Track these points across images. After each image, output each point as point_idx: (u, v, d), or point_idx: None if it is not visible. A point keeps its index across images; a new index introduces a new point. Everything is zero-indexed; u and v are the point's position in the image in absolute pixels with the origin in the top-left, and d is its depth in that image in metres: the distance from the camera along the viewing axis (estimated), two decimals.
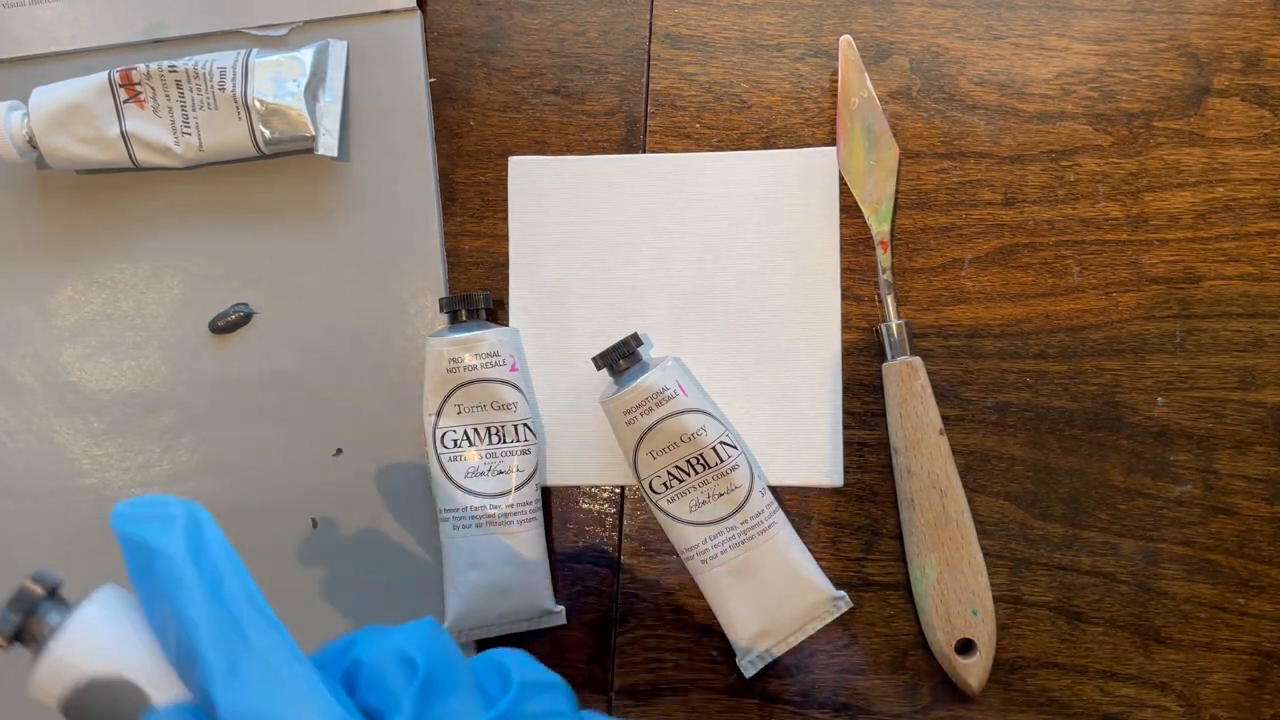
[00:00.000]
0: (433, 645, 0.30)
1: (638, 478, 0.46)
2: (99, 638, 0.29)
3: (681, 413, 0.45)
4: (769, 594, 0.46)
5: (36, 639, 0.29)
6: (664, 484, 0.46)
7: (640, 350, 0.46)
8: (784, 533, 0.46)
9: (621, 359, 0.46)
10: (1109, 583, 0.47)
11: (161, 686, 0.29)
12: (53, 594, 0.30)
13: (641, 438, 0.45)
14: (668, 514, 0.46)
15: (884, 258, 0.47)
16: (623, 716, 0.48)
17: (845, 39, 0.48)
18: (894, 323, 0.47)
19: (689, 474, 0.45)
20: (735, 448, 0.45)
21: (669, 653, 0.48)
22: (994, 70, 0.48)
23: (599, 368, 0.46)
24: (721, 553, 0.45)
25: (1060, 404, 0.47)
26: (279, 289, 0.50)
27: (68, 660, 0.28)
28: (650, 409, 0.45)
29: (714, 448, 0.45)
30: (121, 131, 0.48)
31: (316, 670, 0.29)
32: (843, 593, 0.46)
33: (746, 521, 0.45)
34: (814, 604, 0.46)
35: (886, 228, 0.47)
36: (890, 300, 0.47)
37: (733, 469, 0.45)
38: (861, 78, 0.47)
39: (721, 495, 0.45)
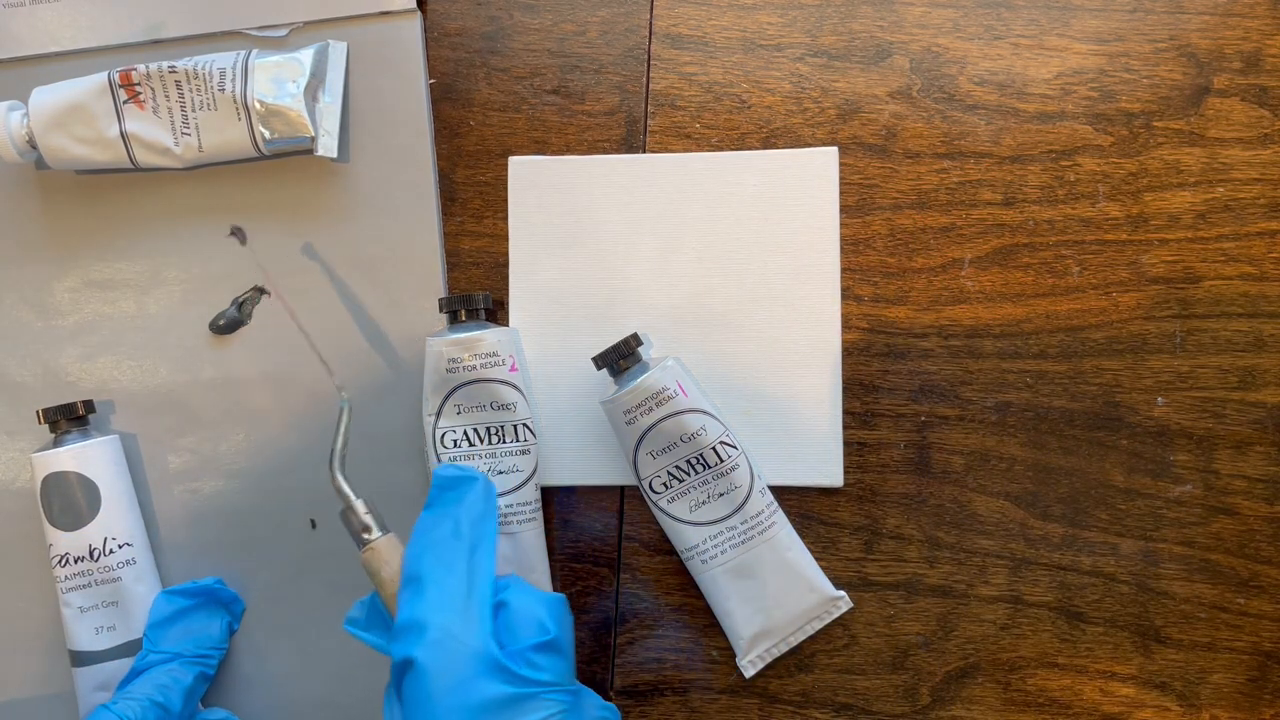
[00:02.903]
0: (562, 619, 0.40)
1: (637, 478, 0.46)
2: None
3: (681, 413, 0.45)
4: (769, 594, 0.46)
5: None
6: (664, 484, 0.46)
7: (640, 350, 0.46)
8: (784, 533, 0.46)
9: (621, 359, 0.46)
10: (1109, 583, 0.47)
11: None
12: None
13: (641, 438, 0.45)
14: (667, 514, 0.46)
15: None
16: (622, 716, 0.48)
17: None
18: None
19: (689, 474, 0.45)
20: (735, 448, 0.45)
21: (669, 653, 0.48)
22: (994, 70, 0.48)
23: (599, 368, 0.46)
24: (721, 553, 0.45)
25: (1060, 404, 0.47)
26: (279, 289, 0.50)
27: None
28: (650, 409, 0.45)
29: (714, 448, 0.45)
30: (121, 132, 0.48)
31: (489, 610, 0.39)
32: (842, 593, 0.46)
33: (746, 521, 0.45)
34: (814, 604, 0.46)
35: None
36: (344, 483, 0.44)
37: (732, 469, 0.45)
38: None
39: (721, 495, 0.45)
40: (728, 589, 0.46)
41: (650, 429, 0.45)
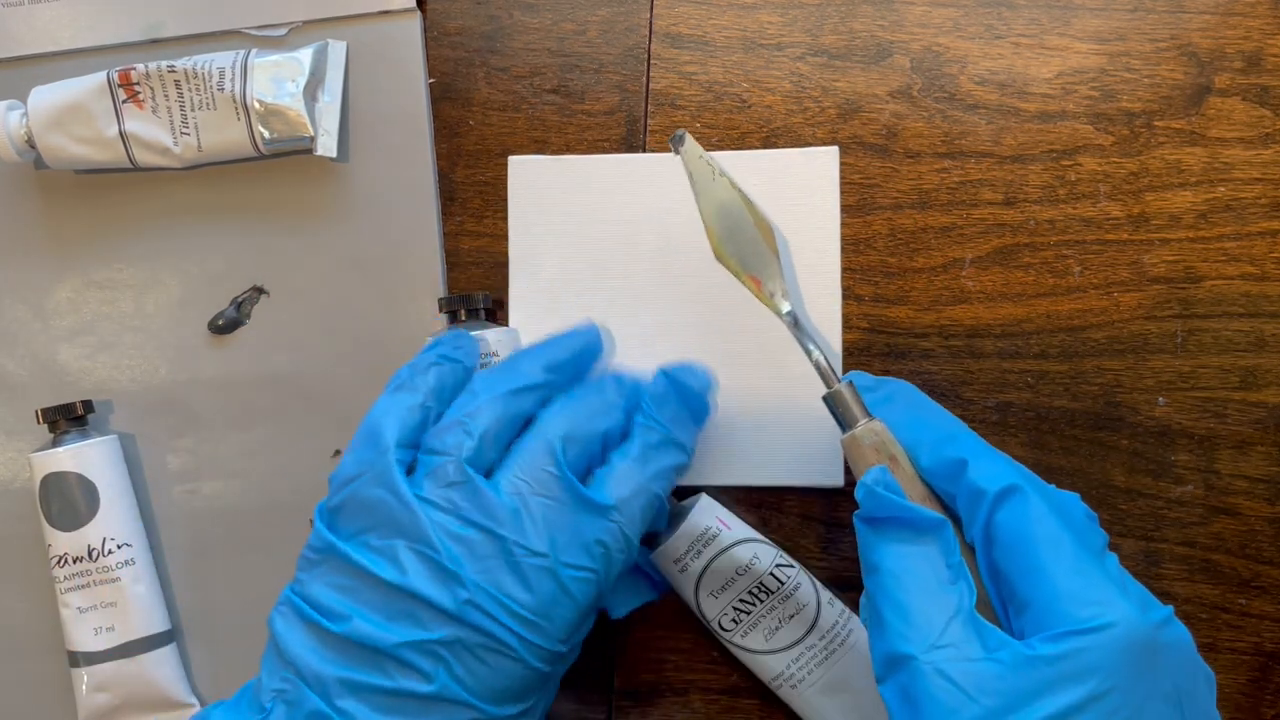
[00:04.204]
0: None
1: (705, 620, 0.45)
2: None
3: (731, 547, 0.44)
4: (867, 701, 0.44)
5: None
6: (733, 620, 0.45)
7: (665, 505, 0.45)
8: (864, 637, 0.45)
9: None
10: None
11: None
12: None
13: (699, 581, 0.45)
14: (744, 649, 0.45)
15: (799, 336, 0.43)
16: (622, 716, 0.48)
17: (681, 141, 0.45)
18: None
19: (755, 604, 0.45)
20: (792, 567, 0.45)
21: (669, 653, 0.48)
22: (994, 70, 0.48)
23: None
24: (808, 674, 0.45)
25: (1061, 404, 0.47)
26: (278, 289, 0.50)
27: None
28: (699, 552, 0.44)
29: (771, 573, 0.44)
30: (120, 131, 0.48)
31: None
32: None
33: (824, 637, 0.44)
34: None
35: (788, 305, 0.44)
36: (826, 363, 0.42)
37: (795, 589, 0.45)
38: (709, 169, 0.44)
39: (792, 617, 0.45)
40: (826, 709, 0.44)
41: (705, 570, 0.44)
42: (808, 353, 0.42)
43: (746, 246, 0.44)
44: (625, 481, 0.39)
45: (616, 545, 0.39)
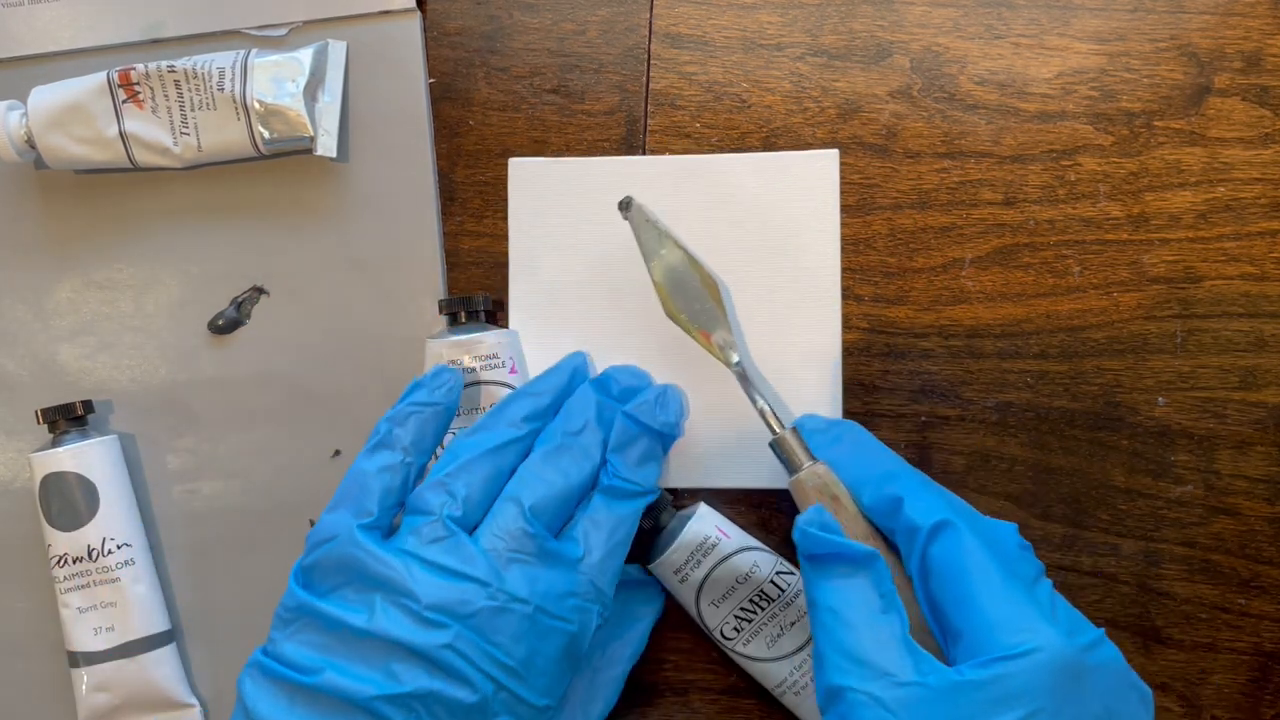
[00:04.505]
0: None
1: (706, 629, 0.46)
2: None
3: (730, 555, 0.45)
4: None
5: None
6: (735, 628, 0.45)
7: (663, 516, 0.46)
8: None
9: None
10: (1109, 583, 0.47)
11: None
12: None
13: (699, 591, 0.45)
14: (747, 657, 0.45)
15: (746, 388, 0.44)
16: (622, 717, 0.48)
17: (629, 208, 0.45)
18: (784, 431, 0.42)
19: (756, 611, 0.45)
20: (792, 574, 0.45)
21: (669, 653, 0.48)
22: (994, 70, 0.48)
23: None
24: (811, 680, 0.45)
25: (1061, 404, 0.47)
26: (278, 289, 0.50)
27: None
28: (699, 561, 0.45)
29: (771, 581, 0.45)
30: (120, 131, 0.48)
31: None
32: None
33: None
34: None
35: (736, 356, 0.44)
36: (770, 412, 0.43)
37: (796, 595, 0.45)
38: (656, 233, 0.45)
39: (793, 624, 0.45)
40: None
41: (705, 580, 0.45)
42: (753, 401, 0.43)
43: (695, 304, 0.45)
44: (592, 534, 0.41)
45: (589, 595, 0.40)
